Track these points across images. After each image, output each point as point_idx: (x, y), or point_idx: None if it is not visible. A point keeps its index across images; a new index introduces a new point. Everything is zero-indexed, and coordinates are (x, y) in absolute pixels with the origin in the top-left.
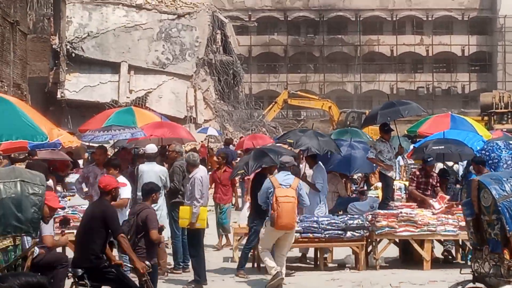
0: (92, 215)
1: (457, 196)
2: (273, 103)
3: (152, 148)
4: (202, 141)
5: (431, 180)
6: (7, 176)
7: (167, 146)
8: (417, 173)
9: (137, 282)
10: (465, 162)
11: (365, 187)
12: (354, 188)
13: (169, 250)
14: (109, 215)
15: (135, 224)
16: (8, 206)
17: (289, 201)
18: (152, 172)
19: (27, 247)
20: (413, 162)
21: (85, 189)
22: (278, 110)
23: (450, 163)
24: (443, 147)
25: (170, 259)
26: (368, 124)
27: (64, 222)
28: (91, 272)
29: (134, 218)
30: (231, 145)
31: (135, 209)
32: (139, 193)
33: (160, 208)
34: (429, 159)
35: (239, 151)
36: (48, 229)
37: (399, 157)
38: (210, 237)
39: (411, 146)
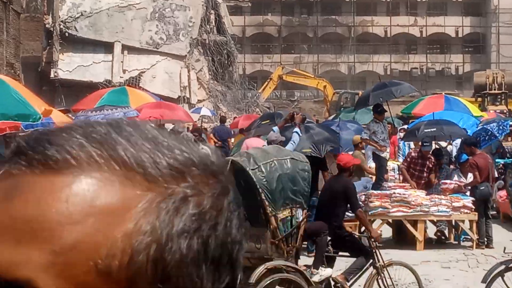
0: (333, 190)
1: (450, 176)
2: (268, 79)
3: None
4: (195, 121)
5: (427, 163)
6: (277, 154)
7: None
8: (413, 154)
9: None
10: (458, 143)
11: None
12: None
13: None
14: (350, 191)
15: None
16: (285, 181)
17: None
18: None
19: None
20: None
21: None
22: (274, 86)
23: (443, 144)
24: (434, 129)
25: None
26: (361, 106)
27: None
28: (333, 241)
29: None
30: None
31: None
32: None
33: None
34: (425, 144)
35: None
36: None
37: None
38: None
39: (406, 126)
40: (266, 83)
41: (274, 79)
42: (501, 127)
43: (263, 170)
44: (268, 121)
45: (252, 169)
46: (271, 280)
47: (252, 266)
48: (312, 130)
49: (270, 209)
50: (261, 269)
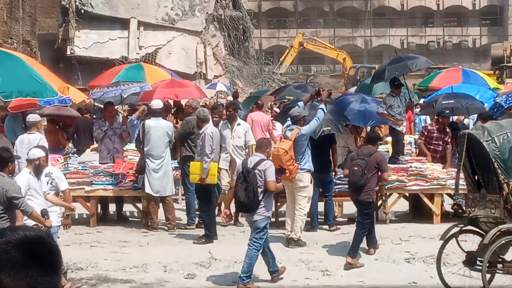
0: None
1: None
2: (289, 47)
3: (157, 103)
4: (211, 97)
5: (443, 136)
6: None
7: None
8: (429, 127)
9: None
10: (475, 117)
11: None
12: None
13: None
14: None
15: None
16: None
17: (276, 153)
18: (159, 127)
19: None
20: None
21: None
22: (295, 54)
23: (460, 117)
24: (452, 101)
25: (182, 215)
26: (377, 81)
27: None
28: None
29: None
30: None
31: None
32: (146, 148)
33: (166, 162)
34: (445, 111)
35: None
36: None
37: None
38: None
39: (421, 100)
40: (287, 51)
41: (295, 46)
42: (509, 98)
43: (496, 141)
44: (292, 97)
45: (486, 141)
46: (504, 241)
47: (488, 229)
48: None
49: (502, 177)
50: (494, 231)
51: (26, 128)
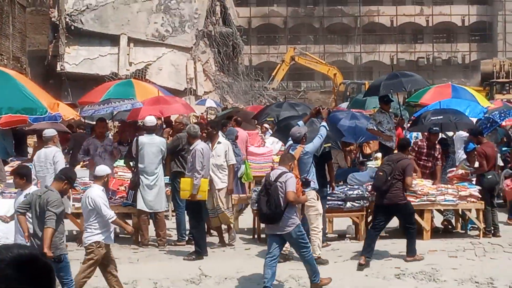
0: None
1: (455, 165)
2: (281, 62)
3: (151, 120)
4: (202, 113)
5: (433, 152)
6: None
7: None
8: (420, 143)
9: None
10: (462, 134)
11: (361, 157)
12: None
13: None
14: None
15: None
16: None
17: None
18: (153, 143)
19: None
20: None
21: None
22: (287, 68)
23: (450, 133)
24: (441, 117)
25: (173, 231)
26: (370, 95)
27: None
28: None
29: None
30: None
31: None
32: (141, 165)
33: (159, 178)
34: (434, 129)
35: None
36: None
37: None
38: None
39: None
40: (279, 66)
41: (286, 61)
42: (502, 114)
43: None
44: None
45: None
46: None
47: None
48: (317, 125)
49: None
50: None
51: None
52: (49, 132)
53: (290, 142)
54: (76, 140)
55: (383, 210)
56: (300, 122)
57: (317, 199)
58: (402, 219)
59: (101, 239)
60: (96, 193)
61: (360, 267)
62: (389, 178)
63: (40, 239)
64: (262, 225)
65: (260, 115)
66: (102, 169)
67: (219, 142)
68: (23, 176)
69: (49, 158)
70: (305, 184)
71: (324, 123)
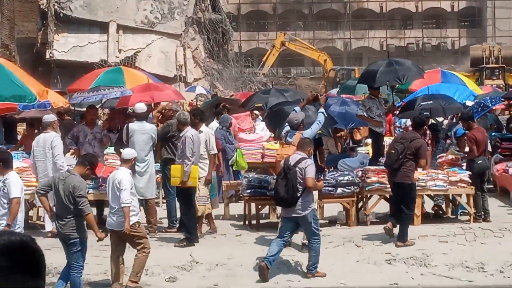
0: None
1: (446, 151)
2: (271, 47)
3: (141, 107)
4: (191, 100)
5: (423, 137)
6: None
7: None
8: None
9: None
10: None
11: (351, 143)
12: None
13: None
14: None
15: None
16: None
17: (280, 159)
18: (144, 130)
19: None
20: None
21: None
22: (277, 53)
23: (440, 119)
24: (431, 102)
25: (163, 218)
26: (366, 83)
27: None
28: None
29: None
30: None
31: None
32: None
33: (150, 165)
34: (423, 113)
35: None
36: None
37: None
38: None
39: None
40: (270, 51)
41: (277, 46)
42: (493, 100)
43: None
44: (260, 104)
45: None
46: None
47: None
48: (310, 111)
49: None
50: None
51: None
52: (49, 117)
53: (287, 128)
54: (66, 128)
55: (395, 187)
56: (297, 108)
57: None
58: (402, 200)
59: (138, 219)
60: (123, 175)
61: (389, 231)
62: (400, 156)
63: (63, 220)
64: (253, 211)
65: (248, 102)
66: (129, 152)
67: (200, 131)
68: (0, 161)
69: (47, 143)
70: (319, 171)
71: (322, 110)
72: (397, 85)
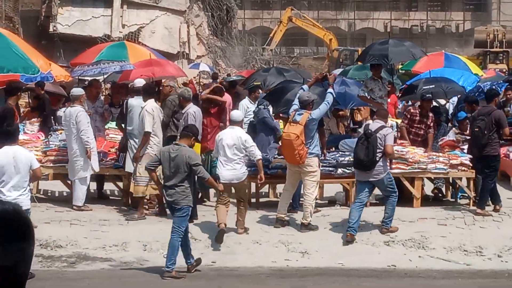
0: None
1: (447, 134)
2: (279, 22)
3: (140, 82)
4: (194, 77)
5: (425, 120)
6: None
7: (159, 83)
8: (412, 110)
9: None
10: (455, 100)
11: (351, 124)
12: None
13: None
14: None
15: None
16: None
17: (287, 138)
18: (142, 106)
19: None
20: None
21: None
22: (284, 29)
23: (442, 102)
24: (433, 86)
25: None
26: (359, 59)
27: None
28: None
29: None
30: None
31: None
32: (129, 127)
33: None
34: (427, 95)
35: None
36: None
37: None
38: None
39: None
40: (277, 26)
41: (284, 21)
42: (494, 86)
43: None
44: (259, 82)
45: None
46: None
47: None
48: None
49: None
50: None
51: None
52: (77, 91)
53: (295, 106)
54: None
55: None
56: (305, 87)
57: (319, 166)
58: (486, 166)
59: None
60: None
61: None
62: (485, 132)
63: (173, 189)
64: (253, 189)
65: (248, 80)
66: (238, 114)
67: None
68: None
69: (73, 117)
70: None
71: (330, 90)
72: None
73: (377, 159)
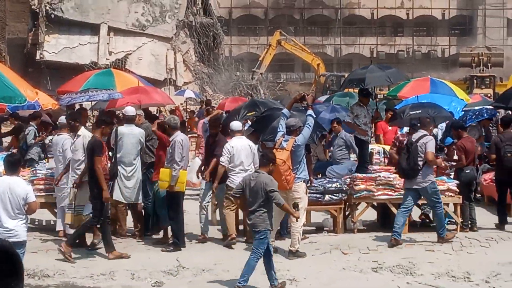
0: None
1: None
2: (268, 46)
3: (131, 110)
4: (181, 103)
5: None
6: None
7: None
8: (400, 138)
9: None
10: (443, 126)
11: None
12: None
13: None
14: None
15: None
16: None
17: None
18: (132, 134)
19: None
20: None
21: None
22: (273, 52)
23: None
24: (420, 111)
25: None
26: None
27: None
28: None
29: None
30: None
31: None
32: (118, 154)
33: (137, 169)
34: (415, 125)
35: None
36: None
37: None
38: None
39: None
40: (266, 50)
41: (273, 45)
42: (488, 111)
43: None
44: (254, 112)
45: None
46: None
47: None
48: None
49: None
50: None
51: None
52: (63, 119)
53: (281, 132)
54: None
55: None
56: (285, 110)
57: (305, 193)
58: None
59: None
60: None
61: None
62: None
63: (253, 213)
64: (240, 217)
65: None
66: (238, 125)
67: (78, 135)
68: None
69: (59, 145)
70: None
71: (310, 112)
72: (386, 94)
73: (419, 167)
